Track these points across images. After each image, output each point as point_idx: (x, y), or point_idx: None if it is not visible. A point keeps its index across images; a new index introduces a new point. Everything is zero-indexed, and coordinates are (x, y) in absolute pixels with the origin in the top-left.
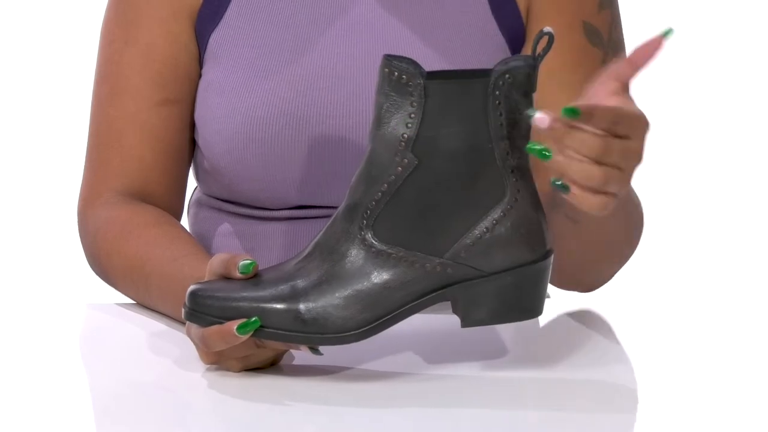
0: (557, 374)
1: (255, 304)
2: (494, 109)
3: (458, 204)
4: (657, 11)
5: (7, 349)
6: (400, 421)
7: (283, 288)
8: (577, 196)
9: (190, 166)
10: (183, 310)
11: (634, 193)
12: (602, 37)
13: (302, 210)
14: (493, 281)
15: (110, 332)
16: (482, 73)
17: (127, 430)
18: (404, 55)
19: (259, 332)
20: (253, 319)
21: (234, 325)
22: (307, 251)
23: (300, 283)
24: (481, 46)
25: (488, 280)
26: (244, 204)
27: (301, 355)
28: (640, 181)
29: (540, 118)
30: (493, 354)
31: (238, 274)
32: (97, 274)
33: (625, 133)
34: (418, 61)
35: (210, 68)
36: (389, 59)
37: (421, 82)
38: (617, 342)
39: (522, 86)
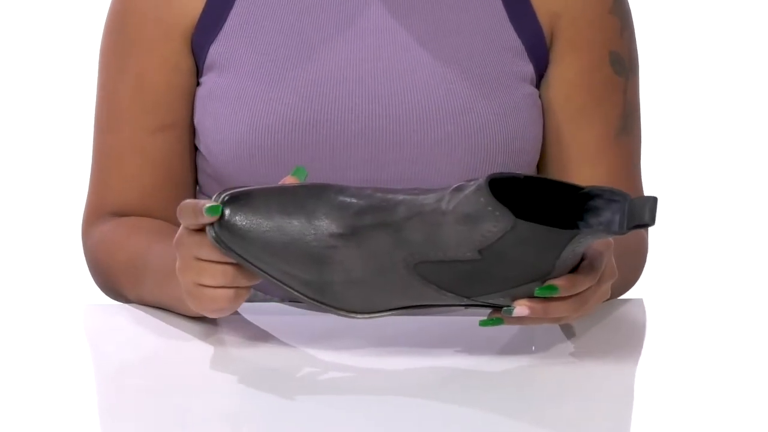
0: (558, 368)
1: (283, 268)
2: (569, 256)
3: (504, 282)
4: (657, 11)
5: (8, 349)
6: (404, 419)
7: (312, 267)
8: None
9: (195, 188)
10: (209, 232)
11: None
12: (624, 63)
13: None
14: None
15: (113, 332)
16: (574, 189)
17: (128, 430)
18: (419, 61)
19: (279, 287)
20: (218, 205)
21: (203, 204)
22: (343, 230)
23: (329, 267)
24: (499, 52)
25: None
26: None
27: (305, 355)
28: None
29: (519, 310)
30: (496, 350)
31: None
32: (100, 284)
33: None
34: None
35: (211, 77)
36: (487, 188)
37: (512, 221)
38: (620, 337)
39: (600, 239)
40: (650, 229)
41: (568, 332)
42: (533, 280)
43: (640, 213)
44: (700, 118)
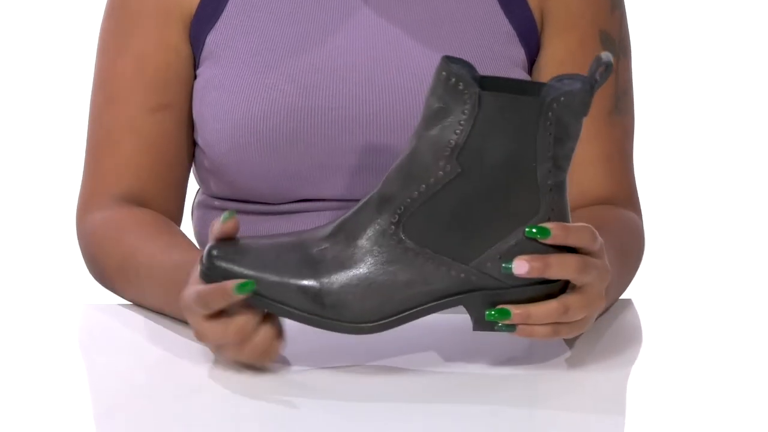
0: (561, 373)
1: (277, 279)
2: (544, 129)
3: (492, 216)
4: (657, 8)
5: (7, 349)
6: (398, 422)
7: (306, 271)
8: (525, 331)
9: (189, 171)
10: (199, 268)
11: (635, 225)
12: (614, 42)
13: (306, 203)
14: (512, 293)
15: (110, 332)
16: (535, 86)
17: (127, 430)
18: (413, 48)
19: (278, 309)
20: (250, 281)
21: (232, 284)
22: (330, 230)
23: (323, 266)
24: (491, 37)
25: (508, 291)
26: (247, 200)
27: (303, 356)
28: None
29: (518, 265)
30: (497, 353)
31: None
32: (95, 277)
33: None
34: (433, 49)
35: (208, 67)
36: (447, 62)
37: (477, 91)
38: (610, 337)
39: (576, 109)
40: None
41: None
42: (523, 211)
43: (598, 61)
44: (690, 120)
